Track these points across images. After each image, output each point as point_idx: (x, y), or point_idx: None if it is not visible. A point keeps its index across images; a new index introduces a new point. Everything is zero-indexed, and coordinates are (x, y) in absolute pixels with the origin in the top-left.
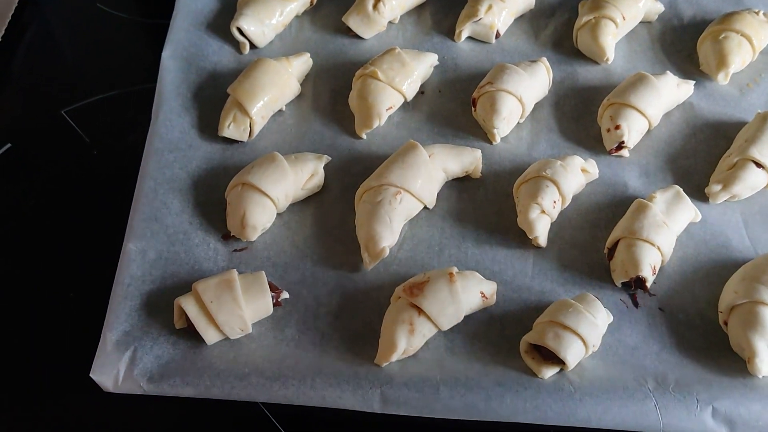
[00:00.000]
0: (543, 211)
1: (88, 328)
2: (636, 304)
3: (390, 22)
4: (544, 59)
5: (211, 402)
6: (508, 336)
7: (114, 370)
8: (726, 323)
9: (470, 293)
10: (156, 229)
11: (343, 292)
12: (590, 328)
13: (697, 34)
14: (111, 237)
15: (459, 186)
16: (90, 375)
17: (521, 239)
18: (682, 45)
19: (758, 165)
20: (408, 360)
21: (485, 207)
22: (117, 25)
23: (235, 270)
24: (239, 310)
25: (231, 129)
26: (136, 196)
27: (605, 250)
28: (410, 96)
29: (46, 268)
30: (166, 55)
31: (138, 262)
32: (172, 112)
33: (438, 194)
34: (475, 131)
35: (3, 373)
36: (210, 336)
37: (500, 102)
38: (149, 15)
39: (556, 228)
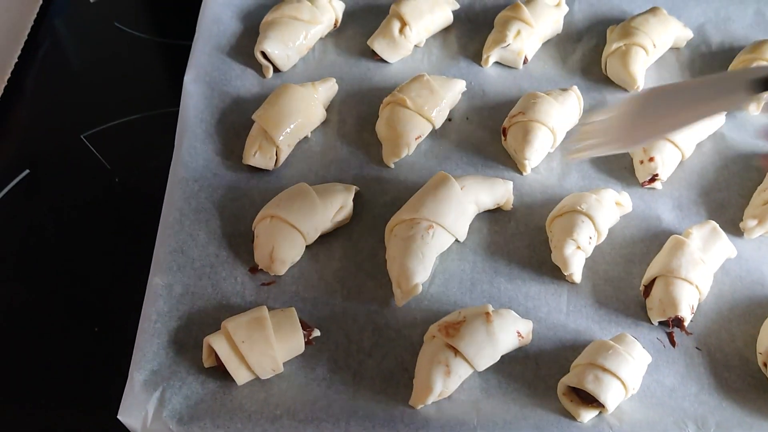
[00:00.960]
0: (578, 247)
1: (113, 363)
2: (673, 343)
3: (415, 46)
4: (575, 88)
5: None
6: (543, 376)
7: (142, 411)
8: (765, 365)
9: (507, 333)
10: (182, 263)
11: (374, 328)
12: (630, 371)
13: (725, 61)
14: (134, 267)
15: (489, 218)
16: (118, 416)
17: (554, 274)
18: (711, 72)
19: None
20: (443, 402)
21: (516, 240)
22: (135, 45)
23: (265, 307)
24: (271, 351)
25: (257, 157)
26: (161, 228)
27: (641, 287)
28: (438, 124)
29: (69, 300)
30: (189, 79)
31: (165, 297)
32: (196, 140)
33: (469, 227)
34: (505, 160)
35: (26, 413)
36: (241, 377)
37: (532, 133)
38: (168, 35)
39: (589, 262)
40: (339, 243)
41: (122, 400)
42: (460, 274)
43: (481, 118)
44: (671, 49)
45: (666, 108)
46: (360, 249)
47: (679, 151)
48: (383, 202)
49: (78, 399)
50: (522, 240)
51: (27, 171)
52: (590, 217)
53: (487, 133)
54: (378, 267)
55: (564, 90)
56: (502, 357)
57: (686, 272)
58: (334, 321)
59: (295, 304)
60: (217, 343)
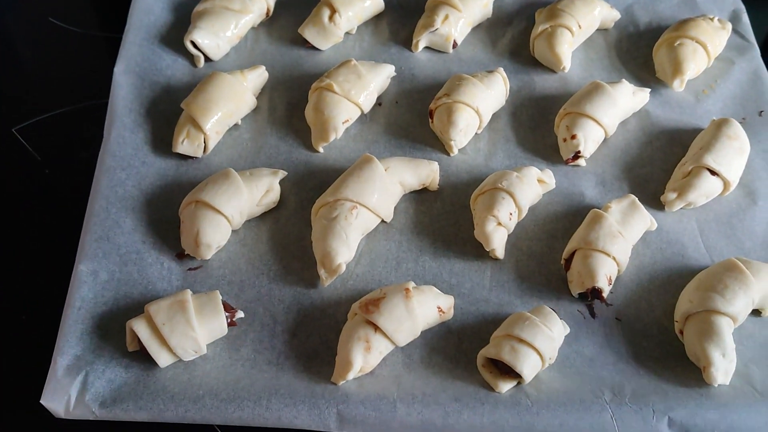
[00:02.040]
0: (499, 223)
1: (40, 351)
2: (593, 315)
3: (347, 33)
4: (501, 70)
5: (165, 426)
6: (465, 350)
7: (65, 395)
8: (682, 332)
9: (427, 308)
10: (108, 249)
11: (299, 309)
12: (546, 341)
13: (653, 41)
14: (63, 257)
15: (416, 198)
16: (40, 401)
17: (479, 251)
18: (639, 52)
19: (713, 173)
20: (365, 377)
21: (442, 219)
22: (69, 39)
23: (188, 290)
24: (192, 332)
25: (185, 145)
26: (87, 216)
27: (562, 261)
28: (367, 108)
29: None
30: (119, 70)
31: (89, 284)
32: (125, 129)
33: (395, 207)
34: (433, 142)
35: None
36: (163, 359)
37: (457, 114)
38: (102, 29)
39: (513, 239)
40: (267, 227)
41: (45, 385)
42: (386, 253)
43: (410, 101)
44: (599, 30)
45: None
46: (287, 232)
47: (602, 128)
48: (311, 186)
49: (2, 385)
50: (448, 219)
51: None
52: (511, 194)
53: (416, 116)
54: (305, 249)
55: (490, 72)
56: (425, 332)
57: (603, 244)
58: (260, 303)
59: (221, 287)
60: (138, 326)
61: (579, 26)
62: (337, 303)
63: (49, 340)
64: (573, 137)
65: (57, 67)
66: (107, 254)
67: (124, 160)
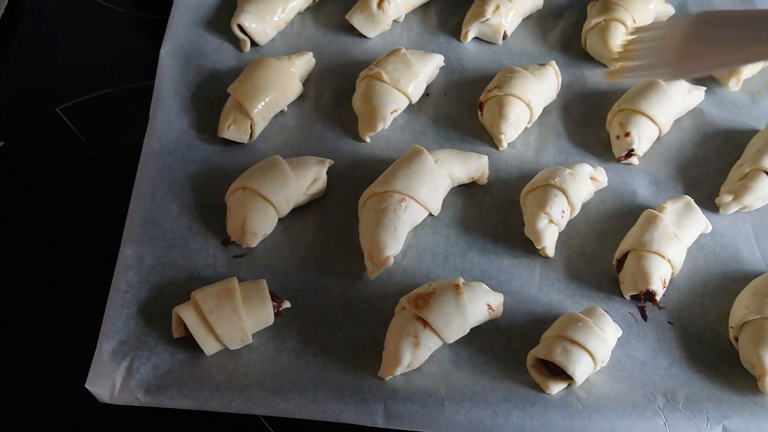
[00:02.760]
0: (551, 221)
1: (83, 334)
2: (645, 318)
3: (394, 21)
4: (553, 63)
5: (209, 414)
6: (514, 349)
7: (110, 380)
8: (736, 339)
9: (477, 305)
10: (154, 234)
11: (345, 301)
12: (599, 344)
13: None
14: (107, 240)
15: (464, 192)
16: (86, 385)
17: (528, 248)
18: None
19: None
20: (412, 373)
21: (491, 214)
22: (114, 19)
23: (235, 278)
24: (239, 321)
25: (231, 130)
26: (133, 199)
27: (614, 262)
28: (415, 98)
29: (40, 271)
30: (165, 52)
31: (135, 269)
32: (171, 112)
33: (443, 201)
34: (481, 135)
35: None
36: (209, 347)
37: (508, 107)
38: (147, 10)
39: (563, 237)
40: (312, 216)
41: (90, 370)
42: (433, 247)
43: (459, 93)
44: None
45: (725, 38)
46: (333, 222)
47: (656, 126)
48: (358, 176)
49: (47, 369)
50: (496, 214)
51: (2, 143)
52: (563, 191)
53: (465, 108)
54: (351, 240)
55: (542, 65)
56: (473, 329)
57: (659, 246)
58: (305, 293)
59: (266, 276)
60: (186, 313)
61: (633, 20)
62: (384, 297)
63: (91, 323)
64: (627, 134)
65: (102, 48)
66: (153, 239)
67: (170, 143)
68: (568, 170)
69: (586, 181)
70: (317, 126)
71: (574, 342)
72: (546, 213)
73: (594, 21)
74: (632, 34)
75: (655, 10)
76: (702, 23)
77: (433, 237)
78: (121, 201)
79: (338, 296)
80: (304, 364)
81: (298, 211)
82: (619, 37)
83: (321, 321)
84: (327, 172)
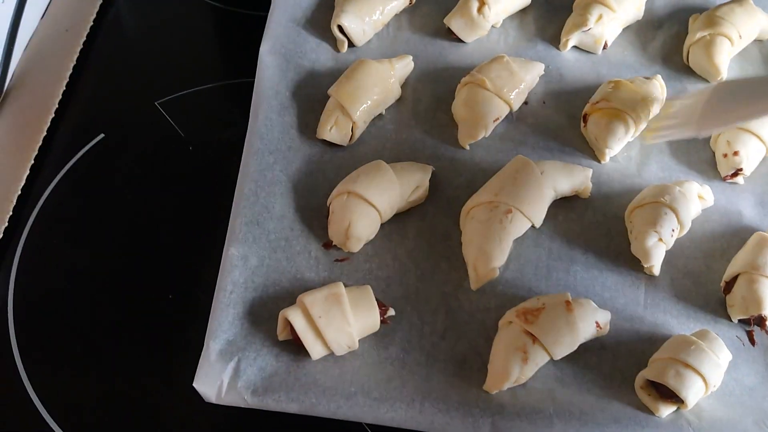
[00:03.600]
0: (660, 240)
1: (187, 331)
2: (753, 342)
3: (492, 26)
4: (659, 77)
5: (311, 419)
6: (620, 368)
7: (218, 380)
8: None
9: (586, 323)
10: (258, 234)
11: (447, 310)
12: (713, 368)
13: None
14: (208, 237)
15: (565, 205)
16: (193, 385)
17: (632, 265)
18: None
19: None
20: (518, 389)
21: (594, 229)
22: (211, 14)
23: (341, 283)
24: (348, 327)
25: (333, 132)
26: (236, 198)
27: (722, 284)
28: (516, 107)
29: (143, 267)
30: (265, 50)
31: (240, 268)
32: (272, 111)
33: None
34: (582, 147)
35: (101, 380)
36: (316, 351)
37: (616, 121)
38: (243, 5)
39: (668, 256)
40: (413, 223)
41: (198, 369)
42: (535, 260)
43: (558, 102)
44: (755, 41)
45: (739, 99)
46: (434, 230)
47: (765, 145)
48: (457, 184)
49: (152, 365)
50: (599, 229)
51: (102, 135)
52: (674, 210)
53: (564, 119)
54: (452, 249)
55: (647, 78)
56: (578, 347)
57: None
58: (407, 301)
59: (368, 281)
60: (294, 316)
61: (739, 36)
62: (486, 308)
63: (194, 320)
64: (735, 153)
65: (199, 43)
66: (257, 239)
67: (271, 143)
68: (677, 188)
69: (695, 200)
70: (415, 131)
71: (687, 365)
72: (656, 231)
73: (698, 35)
74: (668, 103)
75: (760, 25)
76: (720, 90)
77: (536, 250)
78: (222, 197)
79: (440, 305)
80: (408, 373)
81: (398, 217)
82: (724, 53)
83: (423, 330)
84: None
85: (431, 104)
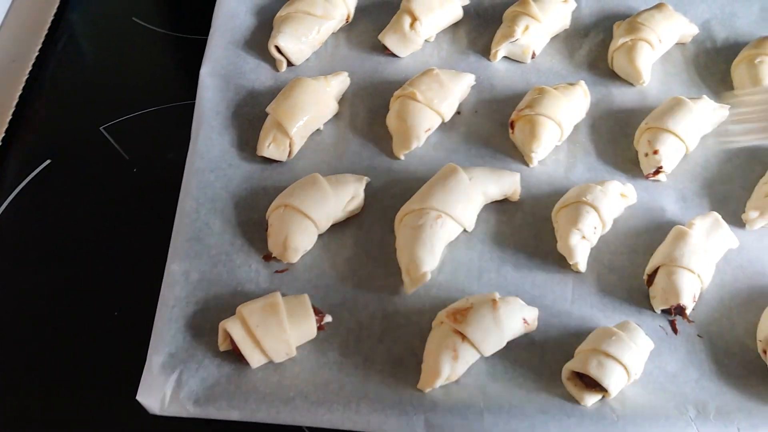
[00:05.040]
0: (583, 237)
1: (132, 347)
2: (675, 331)
3: (426, 41)
4: (582, 83)
5: (252, 426)
6: (548, 362)
7: (160, 392)
8: (765, 352)
9: (513, 320)
10: (199, 250)
11: (384, 315)
12: (633, 357)
13: (730, 56)
14: (152, 255)
15: (497, 209)
16: (137, 398)
17: (560, 264)
18: (716, 68)
19: None
20: (451, 386)
21: (523, 231)
22: (153, 39)
23: (279, 293)
24: (285, 335)
25: (271, 149)
26: (178, 216)
27: (645, 277)
28: (448, 117)
29: (89, 287)
30: (205, 72)
31: (182, 284)
32: (212, 131)
33: (477, 217)
34: (512, 153)
35: (46, 395)
36: (255, 360)
37: (539, 127)
38: (185, 30)
39: (594, 252)
40: (350, 232)
41: (141, 382)
42: (468, 263)
43: (489, 111)
44: (677, 44)
45: None
46: (370, 238)
47: (683, 143)
48: (393, 193)
49: (98, 381)
50: (529, 230)
51: (48, 161)
52: (595, 208)
53: (496, 126)
54: (388, 256)
55: (571, 84)
56: (508, 343)
57: (688, 261)
58: (345, 308)
59: (307, 291)
60: (233, 327)
61: (659, 41)
62: (421, 311)
63: (139, 336)
64: (655, 152)
65: (141, 68)
66: (198, 255)
67: (212, 162)
68: (599, 187)
69: (616, 198)
70: (353, 144)
71: (608, 355)
72: (578, 229)
73: (621, 41)
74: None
75: (680, 30)
76: None
77: (468, 253)
78: (165, 217)
79: (377, 311)
80: (345, 376)
81: (336, 227)
82: (645, 57)
83: (361, 335)
84: (363, 190)
85: (367, 118)
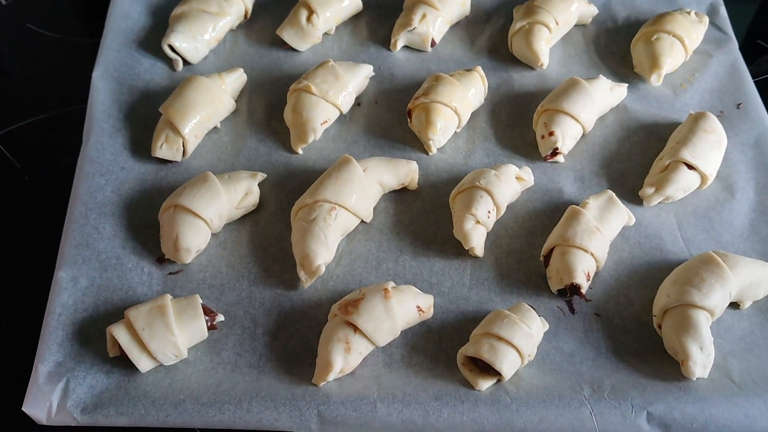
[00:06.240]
0: (478, 222)
1: (20, 359)
2: (573, 311)
3: (325, 34)
4: (479, 68)
5: (154, 430)
6: (446, 348)
7: (47, 402)
8: (660, 327)
9: (406, 308)
10: (87, 256)
11: (280, 311)
12: (525, 339)
13: (630, 35)
14: (43, 264)
15: (396, 198)
16: (22, 408)
17: (458, 250)
18: (617, 47)
19: (690, 167)
20: (346, 378)
21: (422, 218)
22: (48, 45)
23: (168, 295)
24: (172, 337)
25: (164, 149)
26: (66, 222)
27: (541, 258)
28: (346, 109)
29: None
30: (97, 75)
31: (69, 291)
32: (104, 134)
33: (375, 207)
34: (412, 142)
35: None
36: (143, 364)
37: (435, 114)
38: (81, 34)
39: (492, 237)
40: (246, 230)
41: (27, 393)
42: (366, 254)
43: (389, 101)
44: (577, 25)
45: None
46: (267, 235)
47: (580, 124)
48: (291, 188)
49: None
50: (427, 218)
51: None
52: (489, 192)
53: (395, 116)
54: (285, 251)
55: (468, 70)
56: (406, 332)
57: (581, 240)
58: (240, 306)
59: (202, 291)
60: (119, 331)
61: (556, 23)
62: (318, 304)
63: (29, 348)
64: (551, 134)
65: (36, 74)
66: (87, 260)
67: (103, 165)
68: (493, 171)
69: (511, 181)
70: (250, 140)
71: (500, 338)
72: (472, 214)
73: (518, 24)
74: None
75: (578, 11)
76: None
77: (366, 243)
78: (57, 225)
79: (273, 307)
80: (239, 375)
81: (233, 225)
82: (543, 40)
83: (256, 332)
84: (260, 185)
85: (265, 113)
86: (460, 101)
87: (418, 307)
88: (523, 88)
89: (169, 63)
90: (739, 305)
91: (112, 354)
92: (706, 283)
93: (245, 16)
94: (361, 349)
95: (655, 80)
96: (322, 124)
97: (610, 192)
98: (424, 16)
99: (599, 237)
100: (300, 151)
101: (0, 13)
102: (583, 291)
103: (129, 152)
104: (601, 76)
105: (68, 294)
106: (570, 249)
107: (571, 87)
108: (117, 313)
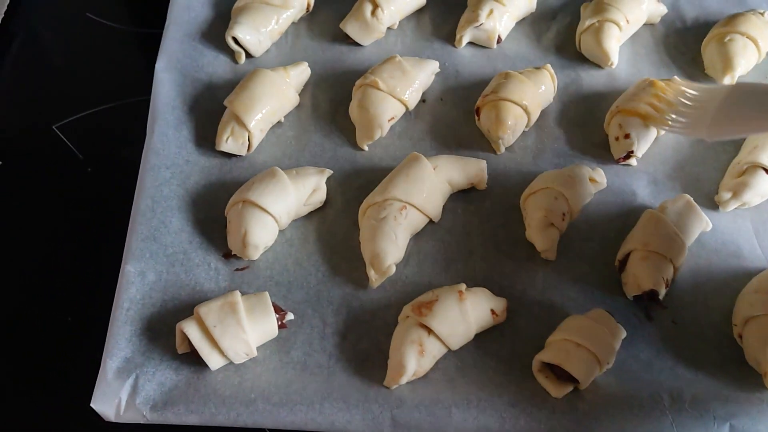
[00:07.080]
0: (552, 224)
1: (88, 353)
2: (649, 318)
3: (389, 28)
4: (548, 66)
5: (217, 429)
6: (519, 353)
7: (116, 399)
8: (741, 336)
9: (480, 311)
10: (155, 250)
11: (349, 311)
12: (604, 346)
13: (700, 36)
14: (108, 257)
15: (464, 198)
16: (91, 404)
17: (529, 252)
18: (686, 47)
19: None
20: (418, 381)
21: (491, 219)
22: (108, 35)
23: (237, 291)
24: (243, 335)
25: (229, 143)
26: (133, 216)
27: (616, 263)
28: (412, 105)
29: (42, 290)
30: (160, 67)
31: (137, 285)
32: (168, 127)
33: (443, 207)
34: (479, 140)
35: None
36: (214, 361)
37: (505, 112)
38: (141, 24)
39: (565, 240)
40: (313, 227)
41: (95, 388)
42: (434, 254)
43: (455, 98)
44: (646, 24)
45: (754, 107)
46: (334, 232)
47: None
48: (357, 185)
49: (52, 388)
50: (497, 219)
51: (0, 163)
52: (563, 194)
53: (462, 114)
54: (352, 250)
55: (537, 68)
56: (478, 335)
57: (661, 246)
58: (309, 304)
59: (269, 288)
60: (189, 328)
61: (627, 21)
62: (387, 305)
63: (96, 342)
64: (626, 136)
65: (96, 64)
66: (154, 254)
67: (168, 158)
68: (567, 173)
69: (585, 184)
70: (315, 136)
71: (579, 345)
72: (547, 217)
73: (588, 22)
74: (678, 89)
75: (648, 10)
76: (735, 94)
77: (435, 244)
78: (122, 217)
79: (341, 306)
80: (309, 375)
81: (299, 222)
82: (613, 38)
83: (325, 332)
84: (326, 182)
85: (330, 109)
86: (531, 100)
87: (492, 310)
88: (592, 88)
89: (232, 55)
90: None
91: (180, 350)
92: None
93: (307, 8)
94: (434, 352)
95: (729, 82)
96: (389, 121)
97: (688, 196)
98: (491, 11)
99: (678, 242)
100: (366, 148)
101: (59, 2)
102: (661, 298)
103: (193, 145)
104: (675, 77)
105: (136, 288)
106: (649, 254)
107: (647, 88)
108: (185, 308)
